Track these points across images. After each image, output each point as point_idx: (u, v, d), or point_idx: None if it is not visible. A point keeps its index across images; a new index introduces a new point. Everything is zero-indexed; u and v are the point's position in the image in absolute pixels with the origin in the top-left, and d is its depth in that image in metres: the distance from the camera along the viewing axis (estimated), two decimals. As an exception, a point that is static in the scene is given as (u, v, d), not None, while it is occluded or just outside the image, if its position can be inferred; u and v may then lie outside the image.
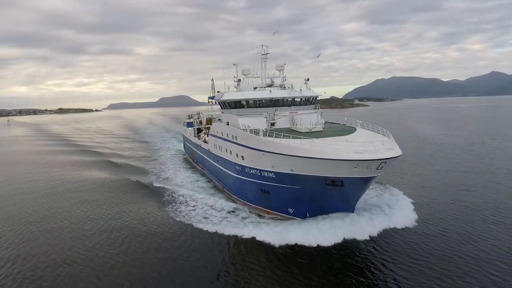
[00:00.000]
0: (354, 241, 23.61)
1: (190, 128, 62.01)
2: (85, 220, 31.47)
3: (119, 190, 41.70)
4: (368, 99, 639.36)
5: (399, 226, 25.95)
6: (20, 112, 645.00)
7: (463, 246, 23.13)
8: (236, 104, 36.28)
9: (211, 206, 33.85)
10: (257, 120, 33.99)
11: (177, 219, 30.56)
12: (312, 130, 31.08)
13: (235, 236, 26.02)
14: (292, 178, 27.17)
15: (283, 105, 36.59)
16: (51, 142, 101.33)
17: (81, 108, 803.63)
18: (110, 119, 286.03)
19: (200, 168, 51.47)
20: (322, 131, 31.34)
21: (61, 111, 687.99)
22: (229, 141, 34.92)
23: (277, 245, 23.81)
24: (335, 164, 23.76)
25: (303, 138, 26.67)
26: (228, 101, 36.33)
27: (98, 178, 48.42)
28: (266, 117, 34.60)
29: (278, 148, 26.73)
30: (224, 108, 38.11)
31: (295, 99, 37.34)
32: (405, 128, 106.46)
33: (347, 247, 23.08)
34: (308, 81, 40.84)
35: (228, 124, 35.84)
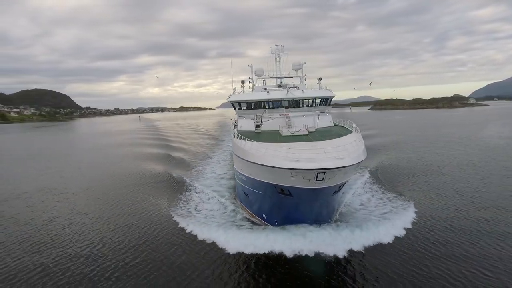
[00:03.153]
0: (307, 257, 20.21)
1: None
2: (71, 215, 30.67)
3: (139, 184, 41.83)
4: (500, 98, 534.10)
5: (377, 244, 21.77)
6: (152, 110, 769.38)
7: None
8: (236, 106, 36.55)
9: (221, 204, 32.16)
10: (250, 122, 34.12)
11: (170, 212, 29.79)
12: (295, 134, 29.40)
13: (195, 236, 24.38)
14: (254, 183, 25.50)
15: (282, 107, 35.18)
16: (145, 135, 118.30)
17: (197, 106, 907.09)
18: (214, 116, 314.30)
19: None
20: (307, 134, 29.49)
21: (182, 109, 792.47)
22: None
23: (233, 251, 21.82)
24: (274, 172, 21.76)
25: (265, 142, 25.05)
26: (231, 102, 36.71)
27: (136, 171, 50.52)
28: (253, 119, 33.88)
29: (237, 150, 26.89)
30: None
31: (299, 100, 35.52)
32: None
33: (298, 262, 20.07)
34: (320, 81, 39.11)
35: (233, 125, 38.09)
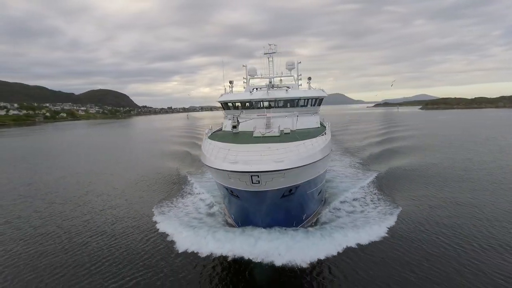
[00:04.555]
0: (250, 261, 19.15)
1: None
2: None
3: (139, 181, 43.05)
4: None
5: (338, 250, 20.36)
6: (201, 108, 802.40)
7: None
8: (224, 106, 36.32)
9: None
10: (230, 122, 33.78)
11: (152, 210, 29.72)
12: (265, 135, 28.49)
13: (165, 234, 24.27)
14: (216, 184, 25.50)
15: (264, 107, 34.37)
16: (179, 133, 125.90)
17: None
18: None
19: None
20: (278, 136, 28.36)
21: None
22: None
23: (192, 250, 21.25)
24: (217, 173, 21.79)
25: (223, 143, 25.51)
26: (219, 102, 36.58)
27: (144, 167, 52.31)
28: (231, 119, 33.47)
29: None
30: None
31: (281, 101, 34.46)
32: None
33: (240, 265, 19.16)
34: (310, 80, 38.09)
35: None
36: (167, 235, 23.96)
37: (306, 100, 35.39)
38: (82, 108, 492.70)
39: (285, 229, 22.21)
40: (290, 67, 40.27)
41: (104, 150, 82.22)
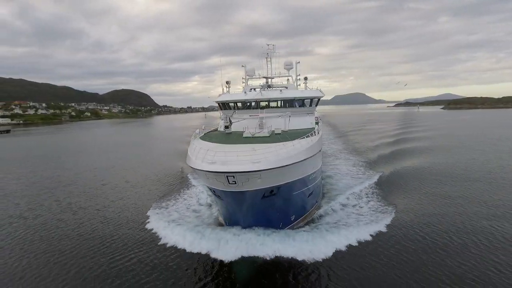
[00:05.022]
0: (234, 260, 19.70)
1: None
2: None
3: (140, 178, 44.71)
4: None
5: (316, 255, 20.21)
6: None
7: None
8: (221, 106, 36.16)
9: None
10: (223, 123, 33.77)
11: (147, 209, 30.16)
12: (255, 135, 28.42)
13: (151, 232, 25.25)
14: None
15: (258, 108, 34.06)
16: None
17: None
18: None
19: None
20: (267, 136, 28.21)
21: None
22: None
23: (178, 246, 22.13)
24: (197, 173, 22.45)
25: (219, 143, 25.99)
26: (216, 102, 36.57)
27: (159, 165, 53.99)
28: (224, 119, 33.54)
29: None
30: None
31: (274, 101, 34.36)
32: None
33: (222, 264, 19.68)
34: (306, 81, 37.68)
35: None
36: (155, 231, 25.19)
37: (301, 100, 34.96)
38: (105, 108, 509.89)
39: (272, 230, 22.37)
40: (288, 67, 40.06)
41: (121, 148, 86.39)
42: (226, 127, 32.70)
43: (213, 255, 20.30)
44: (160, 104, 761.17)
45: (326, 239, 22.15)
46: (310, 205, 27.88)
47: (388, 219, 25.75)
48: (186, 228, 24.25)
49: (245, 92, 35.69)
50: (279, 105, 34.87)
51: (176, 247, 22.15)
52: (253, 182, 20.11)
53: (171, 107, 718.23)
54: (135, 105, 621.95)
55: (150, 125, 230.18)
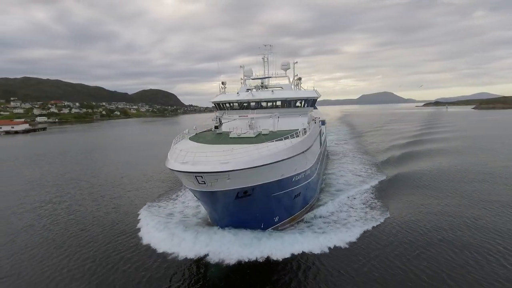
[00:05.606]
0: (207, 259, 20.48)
1: None
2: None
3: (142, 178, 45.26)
4: None
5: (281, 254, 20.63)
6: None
7: None
8: (216, 107, 36.16)
9: None
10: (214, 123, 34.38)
11: (140, 208, 30.97)
12: (241, 136, 28.44)
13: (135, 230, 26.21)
14: None
15: (249, 108, 34.02)
16: None
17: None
18: None
19: None
20: (253, 137, 28.02)
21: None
22: None
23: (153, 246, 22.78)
24: (172, 173, 22.40)
25: (203, 144, 26.51)
26: (212, 102, 36.43)
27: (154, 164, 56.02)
28: (214, 120, 34.25)
29: None
30: None
31: (265, 102, 34.08)
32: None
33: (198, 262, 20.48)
34: (300, 81, 37.35)
35: None
36: (141, 227, 26.43)
37: (294, 101, 34.16)
38: (134, 107, 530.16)
39: (251, 231, 22.77)
40: (285, 67, 39.65)
41: (142, 145, 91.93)
42: (216, 127, 33.76)
43: (185, 253, 21.03)
44: (186, 103, 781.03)
45: (307, 240, 22.38)
46: (300, 206, 27.92)
47: (376, 223, 25.84)
48: (172, 226, 24.89)
49: (237, 93, 35.42)
50: (269, 105, 34.50)
51: (158, 246, 22.61)
52: (223, 182, 20.28)
53: (196, 106, 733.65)
54: (162, 104, 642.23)
55: (175, 124, 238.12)
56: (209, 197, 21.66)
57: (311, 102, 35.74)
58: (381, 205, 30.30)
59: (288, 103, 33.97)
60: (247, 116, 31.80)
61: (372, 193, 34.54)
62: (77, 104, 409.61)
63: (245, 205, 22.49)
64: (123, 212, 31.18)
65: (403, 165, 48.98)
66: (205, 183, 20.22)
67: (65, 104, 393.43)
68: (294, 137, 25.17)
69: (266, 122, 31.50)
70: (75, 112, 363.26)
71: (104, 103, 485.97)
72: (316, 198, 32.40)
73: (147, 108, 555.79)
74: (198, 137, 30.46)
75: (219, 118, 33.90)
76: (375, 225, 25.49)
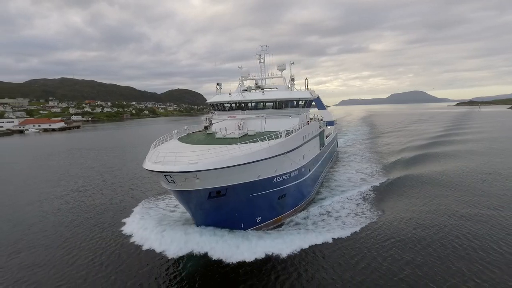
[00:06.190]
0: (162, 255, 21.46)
1: None
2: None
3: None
4: None
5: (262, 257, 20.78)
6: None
7: None
8: (212, 107, 36.43)
9: None
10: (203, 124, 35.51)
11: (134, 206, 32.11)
12: (226, 137, 28.85)
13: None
14: None
15: (240, 109, 34.13)
16: None
17: (313, 104, 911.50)
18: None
19: None
20: (237, 137, 28.12)
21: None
22: None
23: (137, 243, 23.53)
24: (149, 172, 22.46)
25: (186, 144, 27.24)
26: (208, 103, 37.39)
27: None
28: (204, 121, 35.43)
29: None
30: None
31: (258, 103, 33.98)
32: None
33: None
34: (293, 82, 37.01)
35: None
36: (130, 223, 27.44)
37: (285, 102, 33.66)
38: (162, 106, 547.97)
39: (228, 230, 23.21)
40: (281, 68, 39.24)
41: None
42: (206, 127, 34.83)
43: (159, 249, 21.86)
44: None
45: (285, 241, 22.56)
46: (288, 207, 28.13)
47: (361, 226, 25.73)
48: (154, 224, 25.58)
49: (229, 94, 35.67)
50: (261, 106, 34.24)
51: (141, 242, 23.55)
52: (191, 182, 20.51)
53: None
54: (189, 103, 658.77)
55: (200, 122, 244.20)
56: (182, 196, 22.30)
57: (305, 103, 35.25)
58: (374, 207, 30.14)
59: (279, 104, 33.71)
60: (236, 117, 32.12)
61: (369, 194, 34.41)
62: (109, 103, 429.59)
63: (220, 205, 22.80)
64: (134, 199, 35.13)
65: (409, 167, 48.18)
66: (174, 183, 20.75)
67: (98, 103, 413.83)
68: (273, 139, 24.74)
69: (255, 123, 31.67)
70: (107, 111, 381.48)
71: (134, 103, 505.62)
72: (310, 199, 32.72)
73: (174, 107, 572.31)
74: (187, 138, 31.08)
75: (209, 119, 35.03)
76: (360, 227, 25.26)
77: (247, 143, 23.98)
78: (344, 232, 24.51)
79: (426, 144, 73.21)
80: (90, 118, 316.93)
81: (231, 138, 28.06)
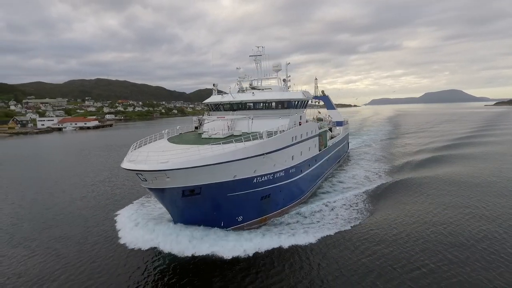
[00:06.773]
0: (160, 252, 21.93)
1: None
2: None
3: None
4: None
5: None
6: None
7: None
8: (209, 108, 36.90)
9: None
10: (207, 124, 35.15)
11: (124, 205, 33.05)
12: (211, 137, 29.39)
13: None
14: None
15: (244, 109, 34.48)
16: None
17: (342, 103, 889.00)
18: (357, 115, 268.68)
19: None
20: (222, 137, 28.29)
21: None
22: None
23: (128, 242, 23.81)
24: (125, 170, 23.06)
25: (173, 143, 27.71)
26: (204, 104, 37.54)
27: None
28: (195, 121, 36.46)
29: None
30: None
31: (248, 103, 34.26)
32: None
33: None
34: (285, 82, 36.85)
35: None
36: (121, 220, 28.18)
37: (276, 102, 33.73)
38: (191, 106, 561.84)
39: (208, 228, 23.52)
40: (276, 68, 39.16)
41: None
42: (196, 128, 35.67)
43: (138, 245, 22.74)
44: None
45: (263, 241, 22.83)
46: (273, 208, 28.39)
47: (346, 227, 25.70)
48: (140, 220, 26.53)
49: (222, 95, 36.04)
50: (252, 107, 34.50)
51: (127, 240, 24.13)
52: (162, 180, 21.00)
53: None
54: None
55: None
56: (156, 194, 23.18)
57: (299, 104, 34.96)
58: (365, 209, 30.09)
59: (269, 105, 33.84)
60: (225, 117, 32.37)
61: (365, 197, 34.18)
62: (140, 103, 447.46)
63: (196, 203, 23.15)
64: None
65: (418, 169, 46.98)
66: (146, 181, 21.44)
67: (130, 103, 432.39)
68: (250, 140, 24.80)
69: (243, 124, 31.61)
70: (138, 110, 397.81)
71: (163, 102, 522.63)
72: (303, 199, 33.19)
73: (202, 106, 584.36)
74: (176, 138, 31.53)
75: (199, 119, 35.88)
76: (344, 229, 25.22)
77: (220, 143, 24.47)
78: (328, 232, 24.66)
79: (443, 146, 70.35)
80: (122, 117, 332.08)
81: (215, 138, 28.43)
